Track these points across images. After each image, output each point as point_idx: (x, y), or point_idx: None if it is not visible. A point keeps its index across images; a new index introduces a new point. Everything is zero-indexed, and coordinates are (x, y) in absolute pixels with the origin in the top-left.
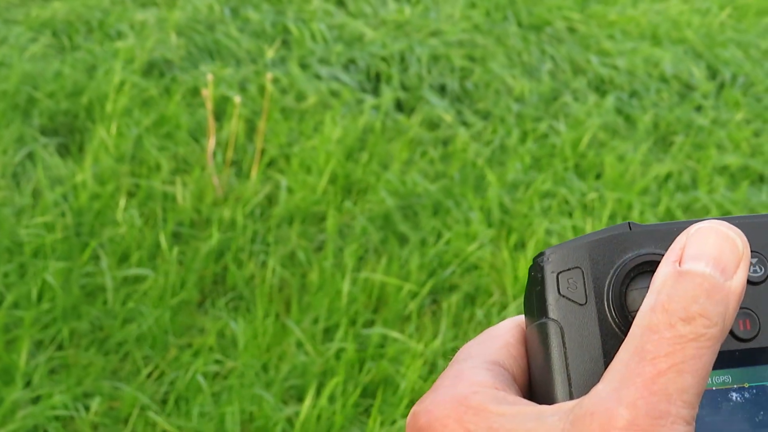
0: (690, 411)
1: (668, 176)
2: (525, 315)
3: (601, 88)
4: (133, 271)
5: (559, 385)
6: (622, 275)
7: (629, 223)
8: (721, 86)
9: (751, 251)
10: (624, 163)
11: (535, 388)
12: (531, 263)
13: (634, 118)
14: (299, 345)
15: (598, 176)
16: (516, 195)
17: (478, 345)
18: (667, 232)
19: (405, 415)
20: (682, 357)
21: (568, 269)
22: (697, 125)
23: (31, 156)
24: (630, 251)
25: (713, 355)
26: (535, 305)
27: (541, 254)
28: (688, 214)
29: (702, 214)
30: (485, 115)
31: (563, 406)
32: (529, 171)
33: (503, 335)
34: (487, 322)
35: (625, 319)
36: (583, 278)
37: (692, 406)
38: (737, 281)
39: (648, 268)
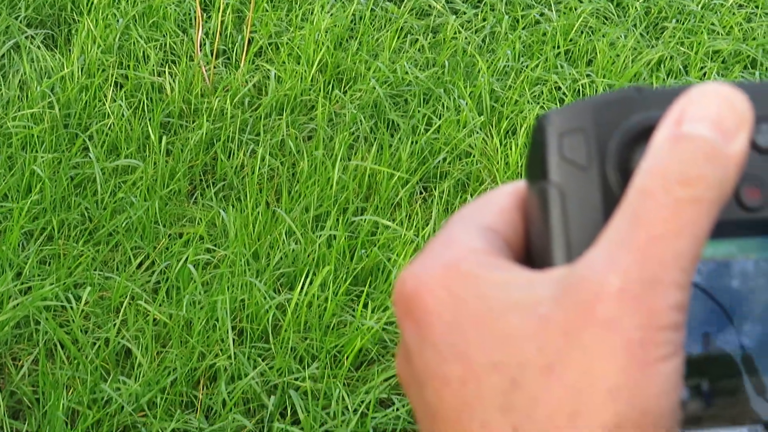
0: (684, 277)
1: (660, 62)
2: (526, 178)
3: None
4: (122, 162)
5: (558, 251)
6: (626, 139)
7: (637, 87)
8: None
9: (762, 118)
10: (615, 49)
11: (533, 254)
12: (534, 126)
13: (626, 4)
14: (290, 233)
15: (589, 63)
16: (506, 82)
17: (472, 209)
18: (677, 96)
19: None
20: (678, 221)
21: (572, 131)
22: (688, 11)
23: (17, 48)
24: (636, 114)
25: (710, 220)
26: (536, 168)
27: (545, 115)
28: None
29: None
30: (475, 3)
31: (554, 273)
32: (520, 58)
33: (500, 200)
34: None
35: (628, 184)
36: (587, 141)
37: (687, 271)
38: (738, 145)
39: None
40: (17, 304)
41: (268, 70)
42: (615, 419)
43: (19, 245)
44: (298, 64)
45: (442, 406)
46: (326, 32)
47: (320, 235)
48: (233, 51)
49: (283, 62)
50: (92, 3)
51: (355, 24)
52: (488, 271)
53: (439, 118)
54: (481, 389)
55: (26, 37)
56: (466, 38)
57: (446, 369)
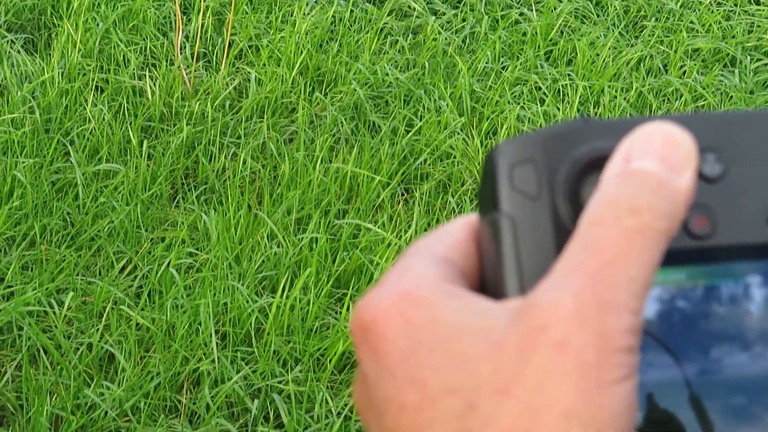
0: (637, 302)
1: (640, 61)
2: (478, 210)
3: None
4: (104, 166)
5: (511, 280)
6: (575, 169)
7: (585, 117)
8: None
9: (708, 148)
10: (595, 49)
11: (487, 285)
12: (485, 158)
13: (605, 3)
14: (272, 236)
15: (569, 62)
16: (487, 83)
17: (427, 241)
18: (624, 127)
19: None
20: (628, 248)
21: (522, 162)
22: (667, 9)
23: None
24: (585, 145)
25: (660, 250)
26: (488, 199)
27: (495, 148)
28: (660, 99)
29: (674, 99)
30: (455, 4)
31: (509, 303)
32: (500, 59)
33: (454, 232)
34: (460, 210)
35: (579, 214)
36: (537, 171)
37: (639, 297)
38: (685, 180)
39: (603, 163)
40: (0, 310)
41: (249, 72)
42: None
43: (1, 251)
44: (279, 66)
45: None
46: (306, 34)
47: (302, 238)
48: (213, 54)
49: (264, 65)
50: (72, 7)
51: (335, 26)
52: (443, 298)
53: (420, 120)
54: (437, 414)
55: (6, 42)
56: (446, 39)
57: (402, 395)
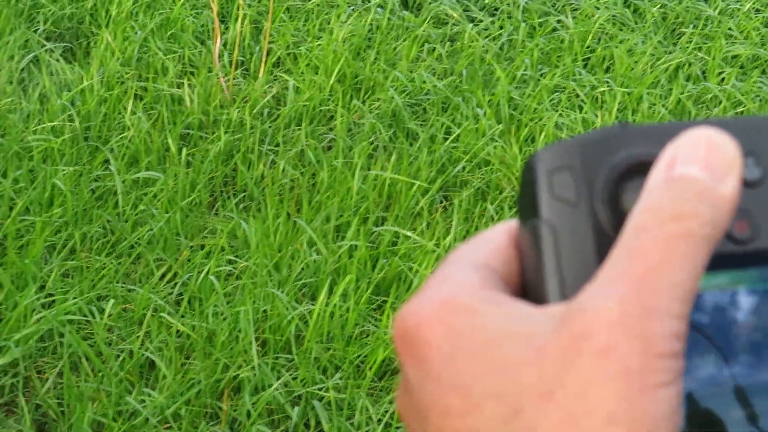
0: (681, 307)
1: (678, 68)
2: (518, 217)
3: None
4: (143, 174)
5: (552, 286)
6: (614, 175)
7: (623, 123)
8: None
9: (747, 152)
10: (633, 56)
11: (528, 290)
12: (523, 165)
13: (642, 10)
14: (311, 244)
15: (607, 69)
16: (525, 90)
17: (468, 248)
18: (662, 133)
19: None
20: (671, 253)
21: (561, 169)
22: (705, 16)
23: (36, 62)
24: (623, 151)
25: (705, 255)
26: (527, 206)
27: (534, 155)
28: (698, 106)
29: (713, 105)
30: (492, 11)
31: (551, 309)
32: (538, 66)
33: (495, 238)
34: (499, 217)
35: (619, 219)
36: (575, 178)
37: (684, 302)
38: (729, 186)
39: (642, 168)
40: (41, 318)
41: (287, 80)
42: None
43: (42, 258)
44: (317, 74)
45: None
46: (344, 42)
47: (341, 246)
48: (251, 62)
49: (302, 72)
50: (110, 16)
51: (372, 33)
52: (485, 304)
53: (458, 127)
54: (481, 420)
55: (45, 51)
56: (483, 46)
57: (446, 401)
